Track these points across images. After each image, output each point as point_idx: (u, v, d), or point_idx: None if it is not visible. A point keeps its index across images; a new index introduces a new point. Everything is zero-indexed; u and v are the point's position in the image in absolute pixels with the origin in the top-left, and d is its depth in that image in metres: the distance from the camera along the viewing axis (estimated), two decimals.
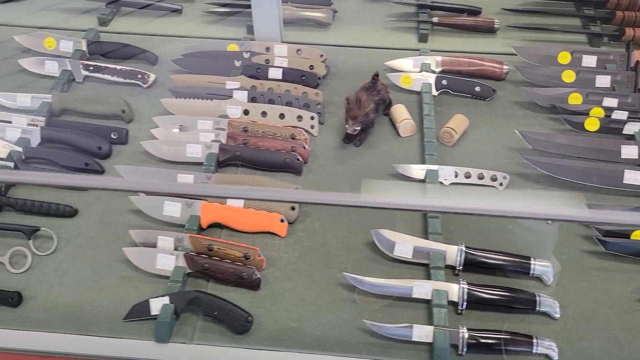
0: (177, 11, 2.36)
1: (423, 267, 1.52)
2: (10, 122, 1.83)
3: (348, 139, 1.83)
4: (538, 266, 1.46)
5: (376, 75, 1.84)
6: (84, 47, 2.10)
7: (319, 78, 2.01)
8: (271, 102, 1.90)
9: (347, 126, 1.76)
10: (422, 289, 1.41)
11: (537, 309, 1.39)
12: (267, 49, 2.09)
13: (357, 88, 1.98)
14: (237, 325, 1.36)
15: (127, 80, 2.01)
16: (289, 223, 1.59)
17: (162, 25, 2.33)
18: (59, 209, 1.62)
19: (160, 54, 2.13)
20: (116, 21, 2.34)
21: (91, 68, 2.02)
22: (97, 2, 2.37)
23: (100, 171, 1.73)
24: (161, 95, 2.00)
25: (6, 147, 1.75)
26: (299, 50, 2.09)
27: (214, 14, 2.34)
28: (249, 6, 2.30)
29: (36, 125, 1.82)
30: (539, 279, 1.47)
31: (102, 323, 1.40)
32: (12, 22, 2.29)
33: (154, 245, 1.52)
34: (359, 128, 1.76)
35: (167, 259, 1.46)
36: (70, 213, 1.63)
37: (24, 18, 2.32)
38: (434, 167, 1.70)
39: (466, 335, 1.33)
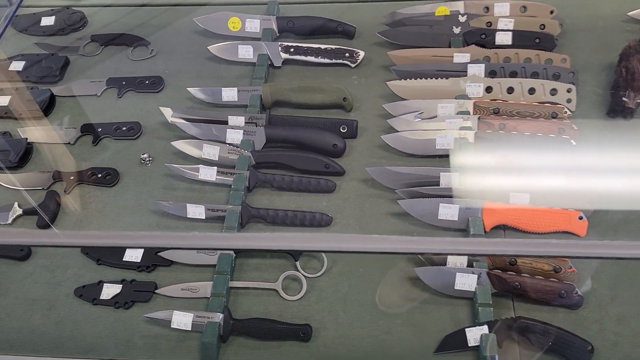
0: None
1: None
2: (225, 122, 1.65)
3: (615, 112, 1.56)
4: None
5: None
6: (274, 26, 1.87)
7: (556, 39, 1.73)
8: (513, 75, 1.64)
9: (626, 100, 1.49)
10: None
11: None
12: (486, 8, 1.81)
13: (604, 48, 1.71)
14: (576, 356, 1.18)
15: (334, 61, 1.78)
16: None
17: None
18: (315, 218, 1.45)
19: (353, 24, 1.88)
20: None
21: (292, 50, 1.79)
22: None
23: (341, 172, 1.54)
24: (373, 75, 1.77)
25: (233, 153, 1.57)
26: (524, 7, 1.80)
27: None
28: None
29: (255, 124, 1.63)
30: None
31: (410, 357, 1.25)
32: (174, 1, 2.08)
33: (442, 261, 1.33)
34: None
35: (467, 279, 1.28)
36: (327, 222, 1.45)
37: None
38: None
39: None
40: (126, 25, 2.02)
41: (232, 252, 1.39)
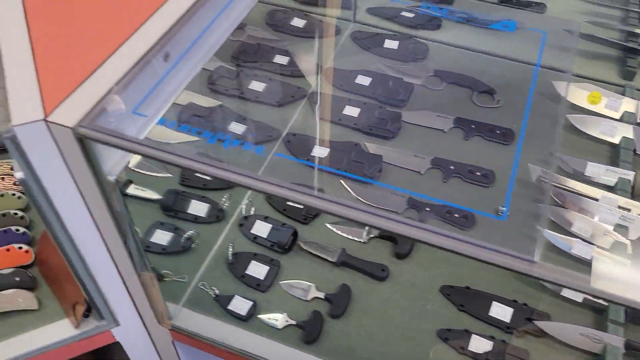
0: None
1: None
2: (596, 199, 1.56)
3: None
4: None
5: None
6: (637, 110, 1.78)
7: None
8: None
9: None
10: None
11: None
12: None
13: None
14: None
15: None
16: None
17: None
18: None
19: None
20: None
21: None
22: (606, 47, 2.05)
23: None
24: None
25: (607, 235, 1.48)
26: None
27: None
28: None
29: (629, 210, 1.53)
30: None
31: None
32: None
33: None
34: None
35: None
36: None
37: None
38: None
39: None
40: (466, 68, 2.01)
41: None
